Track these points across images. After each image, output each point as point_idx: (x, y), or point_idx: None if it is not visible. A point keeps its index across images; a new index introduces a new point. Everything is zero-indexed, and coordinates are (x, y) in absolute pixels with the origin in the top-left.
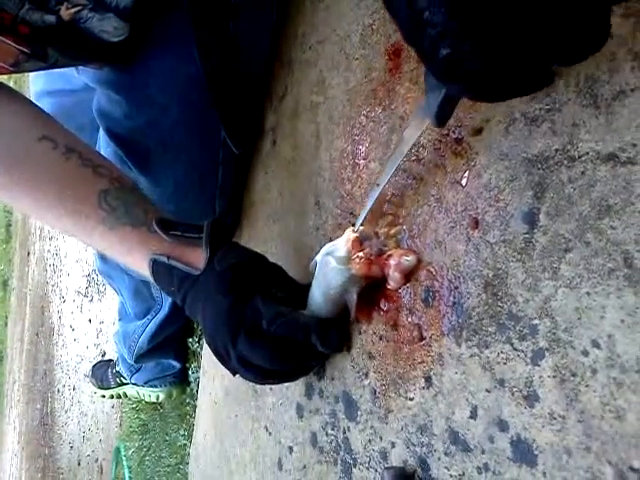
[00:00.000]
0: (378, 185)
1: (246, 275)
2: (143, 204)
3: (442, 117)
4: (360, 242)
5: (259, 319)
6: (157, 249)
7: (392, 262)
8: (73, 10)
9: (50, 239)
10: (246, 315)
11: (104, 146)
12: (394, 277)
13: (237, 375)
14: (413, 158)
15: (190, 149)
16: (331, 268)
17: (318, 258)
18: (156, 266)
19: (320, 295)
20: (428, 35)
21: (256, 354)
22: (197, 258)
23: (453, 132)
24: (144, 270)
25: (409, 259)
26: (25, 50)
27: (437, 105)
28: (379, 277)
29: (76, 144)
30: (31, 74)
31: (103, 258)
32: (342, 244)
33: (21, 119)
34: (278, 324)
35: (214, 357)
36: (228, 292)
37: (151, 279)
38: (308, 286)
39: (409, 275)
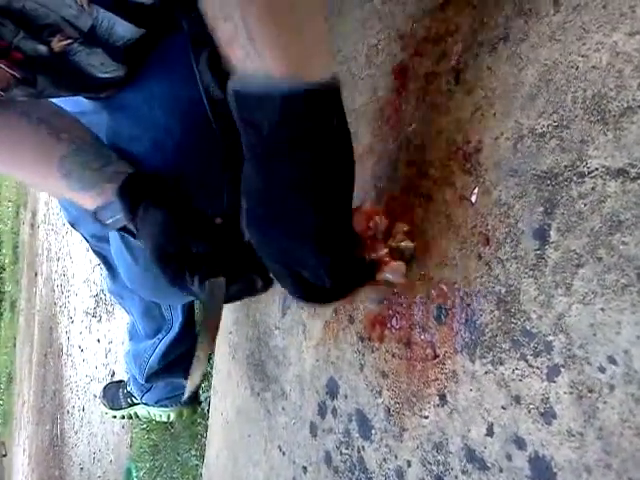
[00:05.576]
0: None
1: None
2: (96, 165)
3: None
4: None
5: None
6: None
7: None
8: (64, 42)
9: (57, 260)
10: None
11: None
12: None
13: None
14: (421, 176)
15: (195, 170)
16: None
17: None
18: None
19: None
20: None
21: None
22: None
23: (461, 149)
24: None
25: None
26: (16, 75)
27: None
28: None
29: (45, 114)
30: None
31: (113, 278)
32: None
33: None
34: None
35: (224, 375)
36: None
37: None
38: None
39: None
